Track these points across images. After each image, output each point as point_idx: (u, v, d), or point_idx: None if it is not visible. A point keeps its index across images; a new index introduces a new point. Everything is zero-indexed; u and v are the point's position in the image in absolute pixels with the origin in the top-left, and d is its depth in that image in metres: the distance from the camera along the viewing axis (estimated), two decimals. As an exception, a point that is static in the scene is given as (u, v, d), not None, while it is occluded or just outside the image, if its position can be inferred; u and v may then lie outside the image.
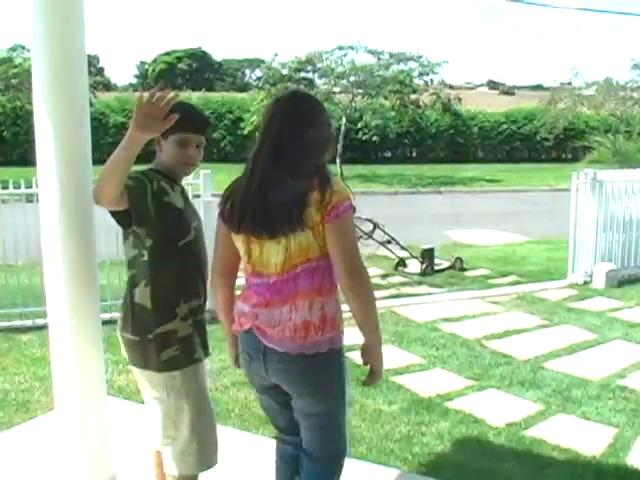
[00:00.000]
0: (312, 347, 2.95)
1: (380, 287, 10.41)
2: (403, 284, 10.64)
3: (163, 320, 3.18)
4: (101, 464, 4.07)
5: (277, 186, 2.87)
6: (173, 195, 3.17)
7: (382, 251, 11.66)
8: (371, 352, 3.05)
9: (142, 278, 3.18)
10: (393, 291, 10.21)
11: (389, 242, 11.37)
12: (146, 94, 2.68)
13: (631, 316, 8.87)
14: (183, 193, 3.30)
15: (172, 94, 2.70)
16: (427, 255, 11.30)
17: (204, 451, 3.32)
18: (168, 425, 3.32)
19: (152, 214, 3.02)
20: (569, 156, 38.88)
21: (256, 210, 2.92)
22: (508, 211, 20.16)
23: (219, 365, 6.94)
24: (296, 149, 2.92)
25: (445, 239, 14.47)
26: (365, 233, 10.64)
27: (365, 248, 9.94)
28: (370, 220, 11.05)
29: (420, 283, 10.67)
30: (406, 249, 11.55)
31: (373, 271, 11.37)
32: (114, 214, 3.03)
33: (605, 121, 37.71)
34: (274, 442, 3.56)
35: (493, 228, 16.27)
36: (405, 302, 9.54)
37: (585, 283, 10.48)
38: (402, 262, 11.47)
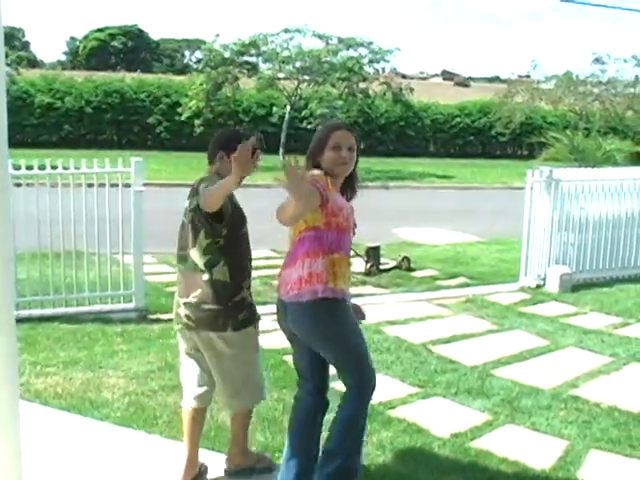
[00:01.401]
0: (301, 296, 4.04)
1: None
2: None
3: (236, 291, 4.37)
4: (10, 473, 3.96)
5: None
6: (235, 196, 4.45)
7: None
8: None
9: (219, 260, 4.31)
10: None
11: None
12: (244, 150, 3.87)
13: (585, 322, 8.99)
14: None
15: (253, 140, 3.95)
16: (372, 254, 11.31)
17: (263, 386, 4.67)
18: (229, 379, 4.45)
19: (230, 211, 4.32)
20: (525, 152, 39.48)
21: None
22: (459, 209, 20.32)
23: (146, 368, 6.85)
24: None
25: (393, 237, 14.53)
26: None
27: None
28: None
29: (364, 283, 10.67)
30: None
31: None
32: (210, 215, 4.24)
33: (564, 117, 38.32)
34: (206, 451, 3.50)
35: (443, 227, 16.39)
36: (348, 303, 9.53)
37: (538, 287, 10.60)
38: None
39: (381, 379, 6.71)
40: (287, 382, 6.57)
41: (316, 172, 4.17)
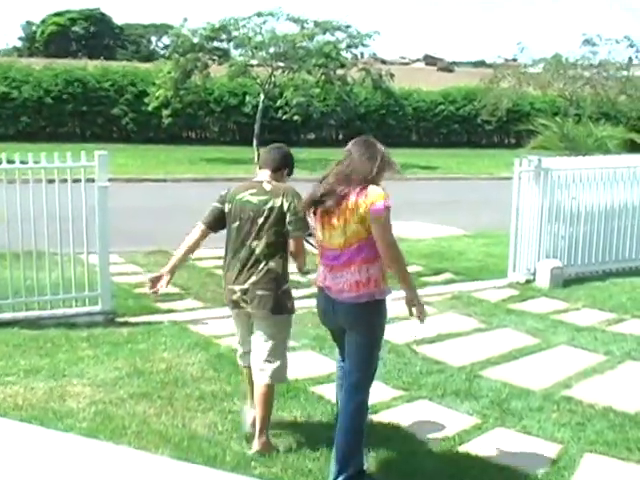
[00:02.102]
0: (360, 298, 4.89)
1: (300, 285, 10.37)
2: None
3: (285, 281, 5.54)
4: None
5: None
6: None
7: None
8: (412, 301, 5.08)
9: (277, 254, 5.44)
10: (314, 289, 10.17)
11: (310, 235, 11.34)
12: None
13: (578, 319, 9.05)
14: None
15: None
16: None
17: (286, 371, 5.61)
18: (270, 352, 5.44)
19: None
20: (512, 141, 39.65)
21: None
22: (444, 201, 20.37)
23: (113, 375, 6.83)
24: None
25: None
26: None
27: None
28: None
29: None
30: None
31: (292, 268, 11.33)
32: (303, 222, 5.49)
33: (553, 103, 38.49)
34: (177, 462, 3.48)
35: (427, 220, 16.41)
36: (328, 302, 9.54)
37: (527, 282, 10.65)
38: None
39: None
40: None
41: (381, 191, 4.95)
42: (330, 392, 6.52)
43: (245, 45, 29.59)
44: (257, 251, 5.41)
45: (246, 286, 5.42)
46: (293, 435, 5.64)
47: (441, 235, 14.80)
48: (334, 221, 4.93)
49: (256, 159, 27.66)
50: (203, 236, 5.71)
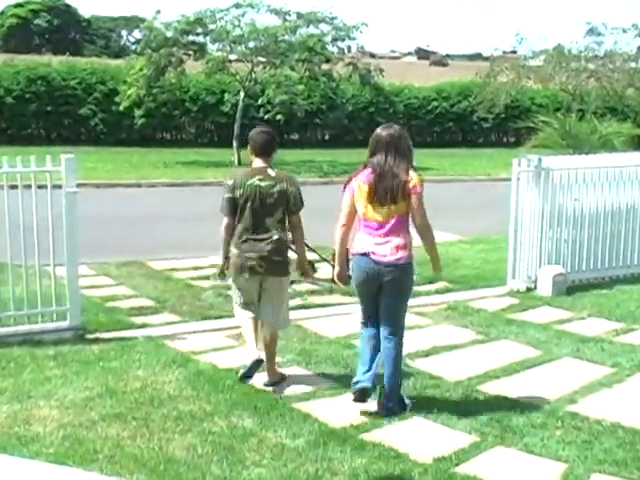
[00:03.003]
0: (399, 260, 6.55)
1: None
2: (311, 293, 10.64)
3: (287, 248, 7.38)
4: None
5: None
6: None
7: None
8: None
9: (283, 227, 7.28)
10: (299, 301, 10.20)
11: (293, 242, 11.35)
12: None
13: (583, 329, 9.10)
14: None
15: None
16: None
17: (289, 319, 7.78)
18: (279, 307, 7.36)
19: None
20: (511, 139, 39.71)
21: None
22: (438, 205, 20.11)
23: (83, 395, 6.83)
24: None
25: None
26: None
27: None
28: None
29: (332, 291, 10.68)
30: (315, 250, 11.56)
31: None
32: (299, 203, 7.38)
33: (555, 98, 38.54)
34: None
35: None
36: (314, 314, 9.59)
37: (528, 290, 10.69)
38: (311, 266, 11.49)
39: (352, 399, 6.76)
40: (246, 405, 6.58)
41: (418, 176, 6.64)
42: (318, 409, 6.56)
43: (223, 39, 29.54)
44: (269, 225, 7.18)
45: (266, 254, 7.15)
46: (279, 457, 5.65)
47: (435, 241, 14.78)
48: (383, 199, 6.53)
49: (236, 162, 27.62)
50: (234, 224, 7.25)
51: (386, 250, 6.56)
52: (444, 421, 6.38)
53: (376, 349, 6.71)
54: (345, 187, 6.81)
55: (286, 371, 7.51)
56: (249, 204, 7.13)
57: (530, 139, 22.10)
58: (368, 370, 6.67)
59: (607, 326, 9.24)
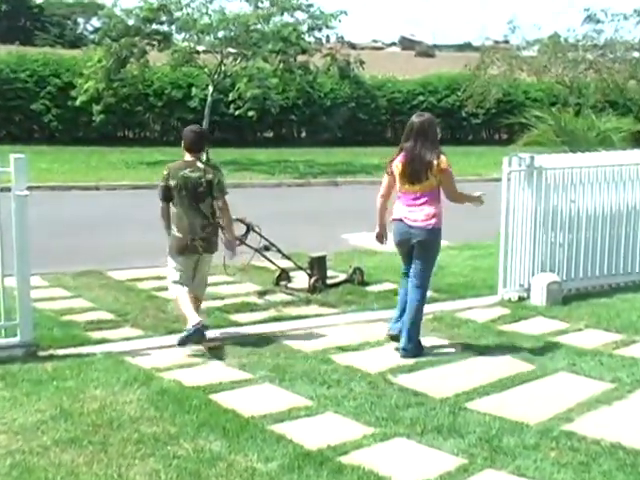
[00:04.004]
0: (429, 225, 8.64)
1: (256, 307, 10.42)
2: (286, 304, 10.66)
3: (218, 230, 9.20)
4: None
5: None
6: None
7: (260, 260, 11.67)
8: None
9: (213, 211, 9.01)
10: (273, 312, 10.23)
11: (267, 249, 11.37)
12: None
13: (580, 341, 9.16)
14: None
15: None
16: (317, 265, 11.36)
17: None
18: (206, 278, 9.36)
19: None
20: (503, 136, 39.78)
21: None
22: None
23: (35, 418, 6.80)
24: None
25: (342, 244, 14.60)
26: (237, 238, 10.60)
27: (237, 257, 9.95)
28: (242, 221, 10.97)
29: (308, 302, 10.71)
30: (289, 258, 11.59)
31: (247, 287, 11.37)
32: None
33: (550, 91, 38.65)
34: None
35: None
36: (288, 327, 9.60)
37: (521, 299, 10.75)
38: (285, 275, 11.52)
39: (330, 419, 6.82)
40: (214, 426, 6.58)
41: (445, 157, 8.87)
42: (292, 430, 6.57)
43: (189, 28, 29.43)
44: (204, 210, 8.99)
45: (204, 235, 8.98)
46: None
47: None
48: (414, 178, 8.69)
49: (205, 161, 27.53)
50: (168, 208, 9.14)
51: (418, 216, 8.65)
52: (429, 442, 6.40)
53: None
54: (388, 168, 9.02)
55: (258, 388, 7.51)
56: (184, 192, 8.94)
57: (523, 136, 22.17)
58: (397, 320, 8.99)
59: (606, 338, 9.31)
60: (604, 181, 11.30)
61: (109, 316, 9.88)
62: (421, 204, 8.70)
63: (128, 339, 9.17)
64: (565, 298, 10.74)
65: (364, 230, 16.26)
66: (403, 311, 8.89)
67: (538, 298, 10.60)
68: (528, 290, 10.77)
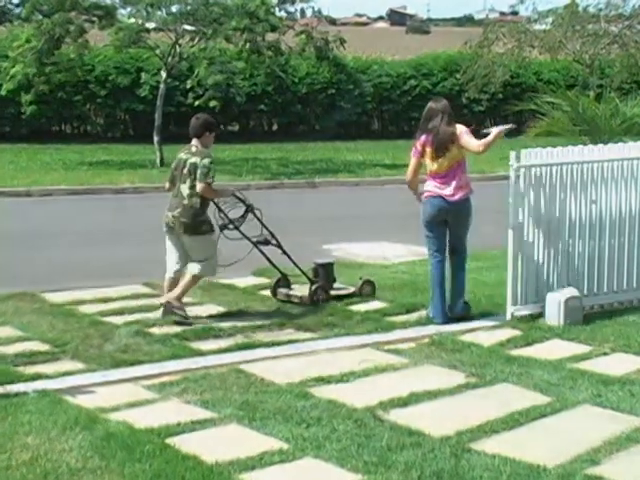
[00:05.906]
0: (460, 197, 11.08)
1: (221, 333, 10.36)
2: (256, 328, 10.55)
3: (202, 213, 11.03)
4: None
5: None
6: None
7: (224, 277, 11.63)
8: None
9: (195, 194, 10.81)
10: (241, 339, 10.19)
11: (267, 242, 11.49)
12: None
13: (605, 367, 9.13)
14: None
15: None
16: (323, 273, 11.55)
17: (215, 269, 11.40)
18: (198, 255, 11.03)
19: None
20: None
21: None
22: (417, 212, 20.41)
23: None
24: None
25: (322, 256, 14.57)
26: (231, 222, 11.36)
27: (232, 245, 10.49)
28: (240, 198, 11.55)
29: (281, 326, 10.66)
30: (290, 257, 11.67)
31: (209, 309, 11.34)
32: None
33: (566, 71, 38.82)
34: None
35: (395, 240, 16.45)
36: (259, 355, 9.57)
37: (533, 318, 10.74)
38: (285, 281, 11.61)
39: (309, 464, 6.79)
40: (171, 477, 6.54)
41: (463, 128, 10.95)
42: (263, 479, 6.53)
43: (137, 2, 29.40)
44: (182, 191, 10.83)
45: (176, 214, 10.77)
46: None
47: (414, 258, 14.77)
48: (440, 150, 10.73)
49: (159, 162, 27.45)
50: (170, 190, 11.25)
51: (449, 191, 10.76)
52: (427, 490, 6.41)
53: (442, 275, 10.96)
54: (413, 150, 11.12)
55: (224, 430, 7.48)
56: (176, 173, 11.05)
57: (534, 126, 22.25)
58: (440, 303, 10.89)
59: (637, 363, 9.31)
60: (631, 177, 11.32)
61: (44, 347, 9.80)
62: (450, 179, 10.80)
63: (67, 374, 9.10)
64: (586, 316, 10.75)
65: (348, 240, 16.30)
66: (440, 288, 10.89)
67: (555, 317, 10.60)
68: (543, 307, 10.77)
